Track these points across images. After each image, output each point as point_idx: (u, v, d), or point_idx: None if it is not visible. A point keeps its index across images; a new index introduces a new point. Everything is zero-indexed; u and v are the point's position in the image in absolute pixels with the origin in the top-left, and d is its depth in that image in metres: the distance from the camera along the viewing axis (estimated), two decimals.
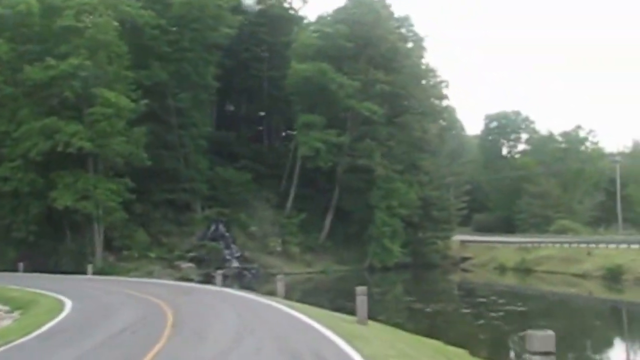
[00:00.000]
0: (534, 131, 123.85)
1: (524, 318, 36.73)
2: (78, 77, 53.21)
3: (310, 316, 20.82)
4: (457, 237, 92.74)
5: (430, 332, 26.02)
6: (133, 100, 56.06)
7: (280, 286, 29.34)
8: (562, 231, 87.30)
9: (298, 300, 31.86)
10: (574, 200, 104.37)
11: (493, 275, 70.09)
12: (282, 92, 77.93)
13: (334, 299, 45.12)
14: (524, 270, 68.40)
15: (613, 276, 53.87)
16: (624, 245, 59.30)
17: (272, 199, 74.15)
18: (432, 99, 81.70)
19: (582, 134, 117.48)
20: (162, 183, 65.89)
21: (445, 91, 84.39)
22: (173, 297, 28.72)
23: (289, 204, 75.27)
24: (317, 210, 77.82)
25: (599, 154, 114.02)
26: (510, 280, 65.66)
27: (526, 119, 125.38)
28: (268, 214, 72.16)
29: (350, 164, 73.30)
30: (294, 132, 75.11)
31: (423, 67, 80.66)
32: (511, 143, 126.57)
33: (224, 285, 40.85)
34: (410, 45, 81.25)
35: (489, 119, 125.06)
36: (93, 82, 54.38)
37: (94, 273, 53.00)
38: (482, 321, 35.28)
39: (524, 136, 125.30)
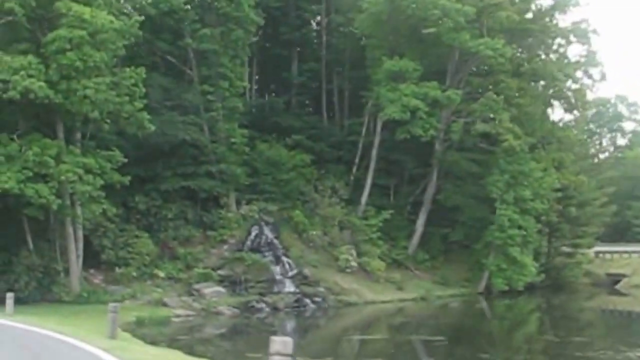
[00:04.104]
0: None
1: None
2: None
3: None
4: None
5: None
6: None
7: None
8: None
9: None
10: None
11: None
12: (347, 41, 60.13)
13: None
14: None
15: None
16: None
17: (341, 190, 55.05)
18: (570, 40, 60.66)
19: None
20: (177, 164, 47.69)
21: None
22: None
23: (364, 198, 56.47)
24: (404, 206, 59.12)
25: None
26: None
27: (634, 104, 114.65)
28: (335, 212, 53.20)
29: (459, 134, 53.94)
30: (369, 94, 56.33)
31: None
32: (613, 134, 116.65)
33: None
34: None
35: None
36: None
37: (69, 301, 37.16)
38: None
39: (628, 126, 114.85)
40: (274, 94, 63.47)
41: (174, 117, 46.67)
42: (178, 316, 37.49)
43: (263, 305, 42.15)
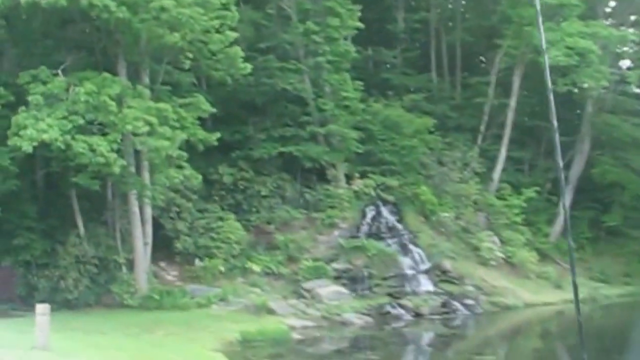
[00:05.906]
0: None
1: None
2: None
3: None
4: None
5: None
6: None
7: None
8: None
9: None
10: None
11: None
12: None
13: None
14: None
15: None
16: None
17: (473, 163, 42.69)
18: None
19: None
20: (272, 126, 36.03)
21: None
22: None
23: (497, 173, 44.24)
24: (543, 184, 46.69)
25: None
26: None
27: None
28: (469, 189, 40.98)
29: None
30: (499, 43, 44.13)
31: None
32: None
33: None
34: None
35: None
36: None
37: (133, 305, 27.26)
38: None
39: None
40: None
41: (270, 62, 34.98)
42: (293, 327, 25.76)
43: (401, 310, 30.27)
